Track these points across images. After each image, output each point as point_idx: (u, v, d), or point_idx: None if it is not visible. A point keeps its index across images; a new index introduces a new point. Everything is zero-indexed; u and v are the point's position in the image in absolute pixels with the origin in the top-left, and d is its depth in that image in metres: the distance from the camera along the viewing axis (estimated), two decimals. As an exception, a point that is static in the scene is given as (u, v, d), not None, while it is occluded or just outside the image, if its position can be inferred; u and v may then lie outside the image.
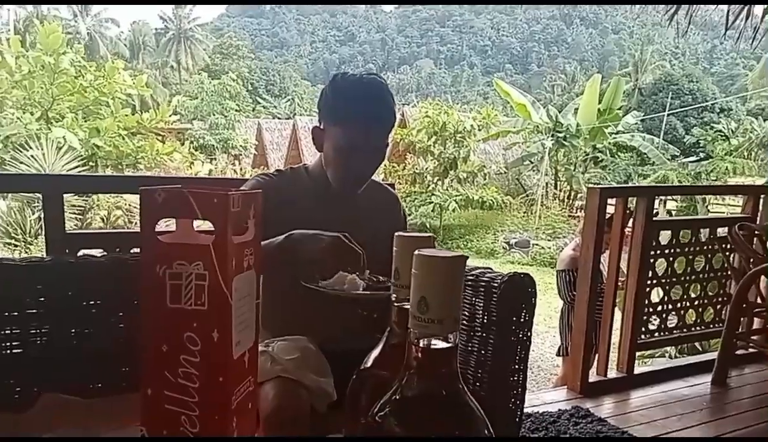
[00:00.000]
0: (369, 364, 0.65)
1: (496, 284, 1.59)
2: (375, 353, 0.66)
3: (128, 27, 48.40)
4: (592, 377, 3.05)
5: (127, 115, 10.57)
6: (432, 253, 0.48)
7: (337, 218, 1.52)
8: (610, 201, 3.05)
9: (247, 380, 0.73)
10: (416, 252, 0.48)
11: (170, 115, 11.12)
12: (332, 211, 1.54)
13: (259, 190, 0.72)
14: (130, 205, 9.32)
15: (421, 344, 0.49)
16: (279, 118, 29.73)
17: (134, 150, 10.48)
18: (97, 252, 1.82)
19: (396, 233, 0.63)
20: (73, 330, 1.45)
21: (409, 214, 15.12)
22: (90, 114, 10.71)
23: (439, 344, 0.49)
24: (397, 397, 0.50)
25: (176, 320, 0.66)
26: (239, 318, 0.68)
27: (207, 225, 0.67)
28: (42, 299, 1.40)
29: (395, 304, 0.61)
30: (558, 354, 4.56)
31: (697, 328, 3.38)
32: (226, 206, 0.64)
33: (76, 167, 9.12)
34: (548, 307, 7.83)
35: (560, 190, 17.49)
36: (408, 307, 0.51)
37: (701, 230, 3.31)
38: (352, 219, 1.52)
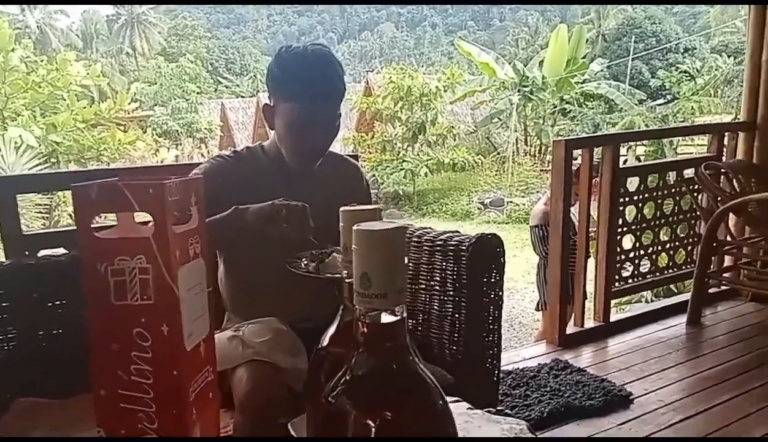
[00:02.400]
0: (325, 342, 0.64)
1: (464, 247, 1.59)
2: (331, 331, 0.64)
3: (79, 16, 46.81)
4: (570, 328, 3.10)
5: (84, 108, 10.28)
6: (370, 226, 0.47)
7: (296, 195, 1.50)
8: (577, 152, 3.06)
9: (205, 371, 0.71)
10: (354, 227, 0.47)
11: (129, 103, 10.85)
12: (291, 189, 1.51)
13: (200, 176, 0.70)
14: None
15: (367, 320, 0.48)
16: (242, 97, 29.22)
17: (96, 142, 10.24)
18: (59, 251, 1.78)
19: (341, 208, 0.62)
20: (41, 332, 1.43)
21: (381, 182, 15.17)
22: (47, 109, 10.41)
23: (385, 318, 0.48)
24: (348, 376, 0.49)
25: (123, 317, 0.64)
26: (189, 309, 0.66)
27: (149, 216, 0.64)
28: (5, 303, 1.37)
29: (346, 280, 0.60)
30: (537, 309, 4.62)
31: (670, 270, 3.45)
32: (162, 196, 0.61)
33: (37, 165, 8.90)
34: (527, 263, 7.92)
35: (530, 146, 17.57)
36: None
37: (668, 174, 3.35)
38: (312, 194, 1.50)
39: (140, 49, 39.31)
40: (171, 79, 23.10)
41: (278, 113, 1.47)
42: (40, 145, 9.41)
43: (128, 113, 11.86)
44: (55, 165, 9.94)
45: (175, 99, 21.38)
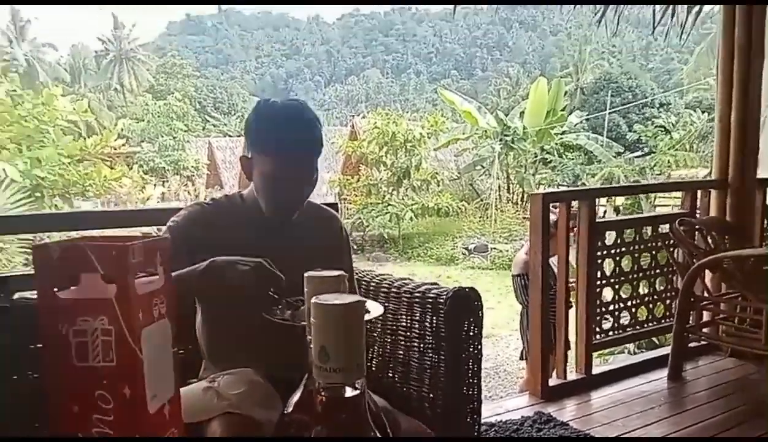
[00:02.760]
0: (290, 409, 0.63)
1: (441, 300, 1.60)
2: (295, 397, 0.63)
3: (67, 51, 47.12)
4: (553, 380, 3.08)
5: (70, 143, 10.26)
6: (329, 300, 0.47)
7: (273, 244, 1.50)
8: (555, 204, 3.11)
9: (170, 432, 0.70)
10: (312, 300, 0.47)
11: (116, 139, 10.85)
12: (268, 238, 1.51)
13: (167, 236, 0.70)
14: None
15: (326, 394, 0.48)
16: (230, 136, 29.36)
17: (81, 177, 10.18)
18: (35, 293, 1.74)
19: (306, 274, 0.62)
20: (15, 376, 1.39)
21: (367, 225, 15.20)
22: (32, 144, 10.37)
23: (345, 391, 0.48)
24: (308, 452, 0.48)
25: (85, 378, 0.63)
26: (153, 371, 0.65)
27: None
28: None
29: (311, 346, 0.60)
30: (521, 358, 4.60)
31: (650, 324, 3.45)
32: (125, 259, 0.61)
33: (20, 200, 8.79)
34: (511, 309, 7.89)
35: (513, 193, 17.80)
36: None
37: (644, 228, 3.39)
38: (290, 244, 1.50)
39: (128, 86, 39.49)
40: (158, 116, 23.18)
41: (256, 165, 1.48)
42: (24, 180, 9.33)
43: (115, 149, 11.86)
44: (39, 199, 9.83)
45: (162, 136, 21.42)
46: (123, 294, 0.61)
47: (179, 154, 20.65)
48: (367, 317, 1.25)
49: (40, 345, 1.31)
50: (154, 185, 14.53)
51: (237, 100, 45.84)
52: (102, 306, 0.61)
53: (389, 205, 15.13)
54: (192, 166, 20.76)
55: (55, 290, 0.63)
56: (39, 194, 9.85)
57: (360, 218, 15.18)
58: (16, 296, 1.73)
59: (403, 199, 15.44)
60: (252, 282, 1.28)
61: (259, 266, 1.30)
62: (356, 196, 15.95)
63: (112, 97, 38.65)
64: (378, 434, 0.50)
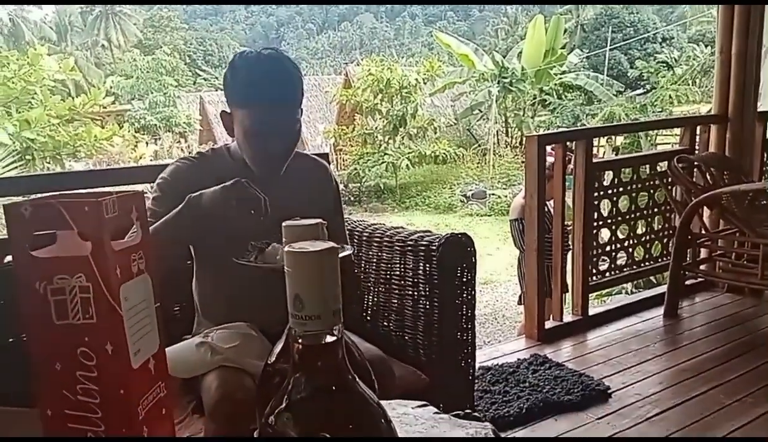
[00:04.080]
0: (273, 359, 0.63)
1: (434, 247, 1.59)
2: (278, 347, 0.63)
3: (52, 8, 45.88)
4: (549, 323, 3.12)
5: (59, 103, 10.09)
6: (302, 247, 0.46)
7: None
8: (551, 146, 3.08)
9: (156, 387, 0.70)
10: (285, 248, 0.46)
11: (104, 97, 10.65)
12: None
13: (142, 191, 0.68)
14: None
15: (302, 342, 0.47)
16: (221, 90, 28.88)
17: (72, 138, 10.03)
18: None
19: (284, 223, 0.60)
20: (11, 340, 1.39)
21: (363, 176, 15.14)
22: (20, 106, 10.20)
23: (321, 338, 0.47)
24: (286, 400, 0.48)
25: (66, 336, 0.62)
26: (134, 326, 0.64)
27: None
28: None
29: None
30: (519, 302, 4.65)
31: (647, 263, 3.48)
32: (99, 214, 0.59)
33: (11, 163, 8.73)
34: (510, 256, 7.93)
35: (511, 138, 17.67)
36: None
37: (642, 167, 3.37)
38: (280, 197, 1.48)
39: (116, 42, 38.66)
40: (148, 72, 22.72)
41: (236, 120, 1.45)
42: (14, 143, 9.23)
43: (104, 108, 11.67)
44: (30, 162, 9.75)
45: (152, 93, 21.04)
46: (99, 250, 0.60)
47: (170, 110, 20.32)
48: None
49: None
50: (147, 143, 14.37)
51: (228, 52, 44.92)
52: (78, 263, 0.60)
53: (385, 154, 15.04)
54: (184, 123, 20.46)
55: (28, 247, 0.61)
56: (30, 157, 9.74)
57: (356, 169, 15.11)
58: (7, 259, 1.73)
59: (399, 147, 15.32)
60: (231, 204, 1.27)
61: (235, 186, 1.28)
62: (352, 146, 15.84)
63: (100, 53, 37.89)
64: (359, 382, 0.49)
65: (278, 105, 1.42)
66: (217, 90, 28.59)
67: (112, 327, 0.62)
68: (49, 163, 9.75)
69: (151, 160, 12.46)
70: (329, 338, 0.47)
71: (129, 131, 13.41)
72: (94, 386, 0.63)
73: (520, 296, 4.52)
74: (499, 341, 5.03)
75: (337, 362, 0.48)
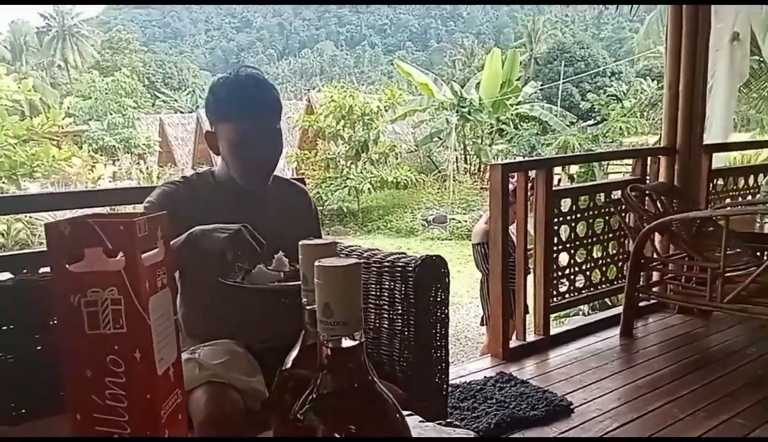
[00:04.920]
0: (289, 365, 0.70)
1: (410, 268, 1.67)
2: (293, 354, 0.70)
3: (7, 27, 44.85)
4: (513, 342, 3.23)
5: (15, 123, 9.86)
6: (331, 263, 0.53)
7: (247, 219, 1.55)
8: (513, 174, 3.21)
9: (174, 393, 0.75)
10: (316, 263, 0.53)
11: (63, 118, 10.47)
12: (241, 213, 1.56)
13: (164, 212, 0.74)
14: (30, 217, 8.77)
15: (330, 345, 0.54)
16: (181, 112, 28.69)
17: (29, 158, 9.79)
18: (3, 276, 1.75)
19: (300, 242, 0.67)
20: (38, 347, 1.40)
21: (326, 199, 15.18)
22: (-23, 125, 9.92)
23: (346, 342, 0.54)
24: (315, 395, 0.55)
25: (97, 345, 0.68)
26: (159, 336, 0.70)
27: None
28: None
29: (307, 307, 0.66)
30: (481, 323, 4.74)
31: (603, 285, 3.64)
32: (132, 233, 0.66)
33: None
34: (470, 278, 8.08)
35: (470, 165, 18.02)
36: (318, 309, 0.55)
37: (598, 195, 3.54)
38: (262, 215, 1.55)
39: (72, 62, 38.01)
40: (106, 93, 22.46)
41: (220, 136, 1.53)
42: (-30, 162, 8.97)
43: (62, 128, 11.45)
44: (-13, 181, 9.47)
45: (111, 114, 20.78)
46: (131, 266, 0.66)
47: (129, 131, 20.09)
48: None
49: (12, 325, 1.36)
50: (105, 165, 14.15)
51: (187, 75, 44.68)
52: (111, 278, 0.66)
53: (348, 178, 15.14)
54: (143, 144, 20.25)
55: (65, 263, 0.67)
56: (-15, 176, 9.49)
57: (319, 193, 15.16)
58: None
59: (361, 172, 15.46)
60: (227, 251, 1.31)
61: (236, 235, 1.32)
62: (314, 170, 15.89)
63: (56, 74, 37.14)
64: (378, 382, 0.56)
65: (261, 114, 1.51)
66: (176, 112, 28.33)
67: (141, 336, 0.68)
68: (4, 183, 9.49)
69: (109, 181, 12.24)
70: (353, 342, 0.55)
71: (87, 152, 13.17)
72: (122, 391, 0.68)
73: (482, 317, 4.62)
74: (462, 361, 5.11)
75: (360, 363, 0.55)
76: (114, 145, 19.44)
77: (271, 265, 1.38)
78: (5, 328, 1.37)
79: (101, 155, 16.78)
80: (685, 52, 3.48)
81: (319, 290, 0.54)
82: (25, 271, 1.63)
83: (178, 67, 45.87)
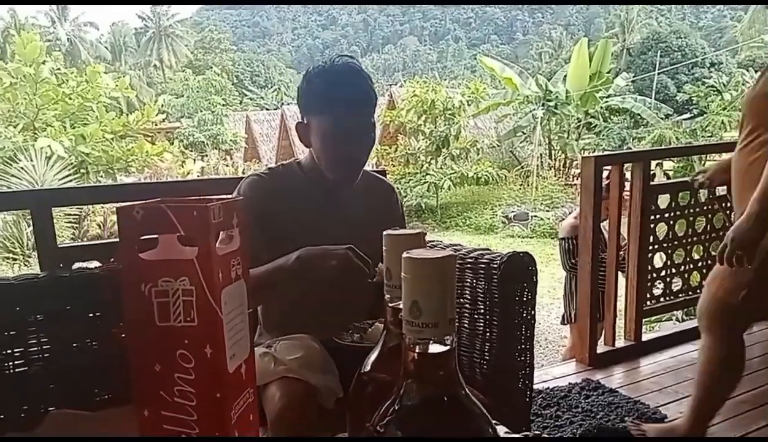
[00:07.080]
0: (368, 368, 0.63)
1: (495, 265, 1.58)
2: (373, 355, 0.64)
3: (108, 29, 47.91)
4: (601, 347, 3.05)
5: (113, 119, 10.48)
6: (421, 254, 0.46)
7: (335, 212, 1.51)
8: (606, 168, 3.03)
9: (246, 392, 0.71)
10: (404, 255, 0.46)
11: (157, 115, 11.03)
12: (329, 206, 1.52)
13: (240, 197, 0.70)
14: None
15: (417, 350, 0.47)
16: (267, 109, 29.57)
17: (124, 153, 10.40)
18: (92, 264, 1.81)
19: (385, 232, 0.61)
20: (75, 344, 1.43)
21: (405, 196, 15.16)
22: (76, 121, 10.63)
23: (435, 347, 0.47)
24: (397, 406, 0.48)
25: (167, 338, 0.64)
26: (231, 331, 0.66)
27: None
28: (40, 316, 1.38)
29: (389, 305, 0.59)
30: (562, 322, 4.55)
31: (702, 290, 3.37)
32: (207, 219, 0.61)
33: (67, 176, 9.06)
34: (551, 278, 7.84)
35: (555, 160, 17.42)
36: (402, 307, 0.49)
37: (700, 191, 3.28)
38: (350, 208, 1.50)
39: (167, 62, 40.06)
40: (197, 91, 23.46)
41: (313, 129, 1.47)
42: (69, 156, 9.59)
43: (156, 125, 12.07)
44: (84, 176, 10.11)
45: (201, 111, 21.69)
46: (205, 255, 0.61)
47: (218, 128, 20.89)
48: None
49: (98, 313, 1.38)
50: (194, 160, 14.78)
51: (274, 73, 46.06)
52: (184, 267, 0.62)
53: (427, 174, 15.02)
54: (230, 140, 20.99)
55: (137, 250, 0.63)
56: (84, 171, 10.12)
57: (398, 188, 15.12)
58: (75, 266, 1.80)
59: (441, 168, 15.29)
60: (340, 274, 1.27)
61: (347, 263, 1.27)
62: (394, 166, 15.89)
63: (152, 73, 39.30)
64: (471, 395, 0.49)
65: (356, 106, 1.44)
66: (262, 109, 29.25)
67: (213, 330, 0.63)
68: (102, 176, 10.10)
69: (198, 176, 12.77)
70: (443, 347, 0.47)
71: (178, 148, 13.81)
72: (191, 388, 0.64)
73: (563, 316, 4.43)
74: (543, 365, 4.92)
75: (450, 373, 0.48)
76: (203, 141, 20.28)
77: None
78: (91, 315, 1.39)
79: (191, 151, 17.55)
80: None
81: (405, 285, 0.47)
82: (112, 260, 1.67)
83: (265, 65, 47.39)
